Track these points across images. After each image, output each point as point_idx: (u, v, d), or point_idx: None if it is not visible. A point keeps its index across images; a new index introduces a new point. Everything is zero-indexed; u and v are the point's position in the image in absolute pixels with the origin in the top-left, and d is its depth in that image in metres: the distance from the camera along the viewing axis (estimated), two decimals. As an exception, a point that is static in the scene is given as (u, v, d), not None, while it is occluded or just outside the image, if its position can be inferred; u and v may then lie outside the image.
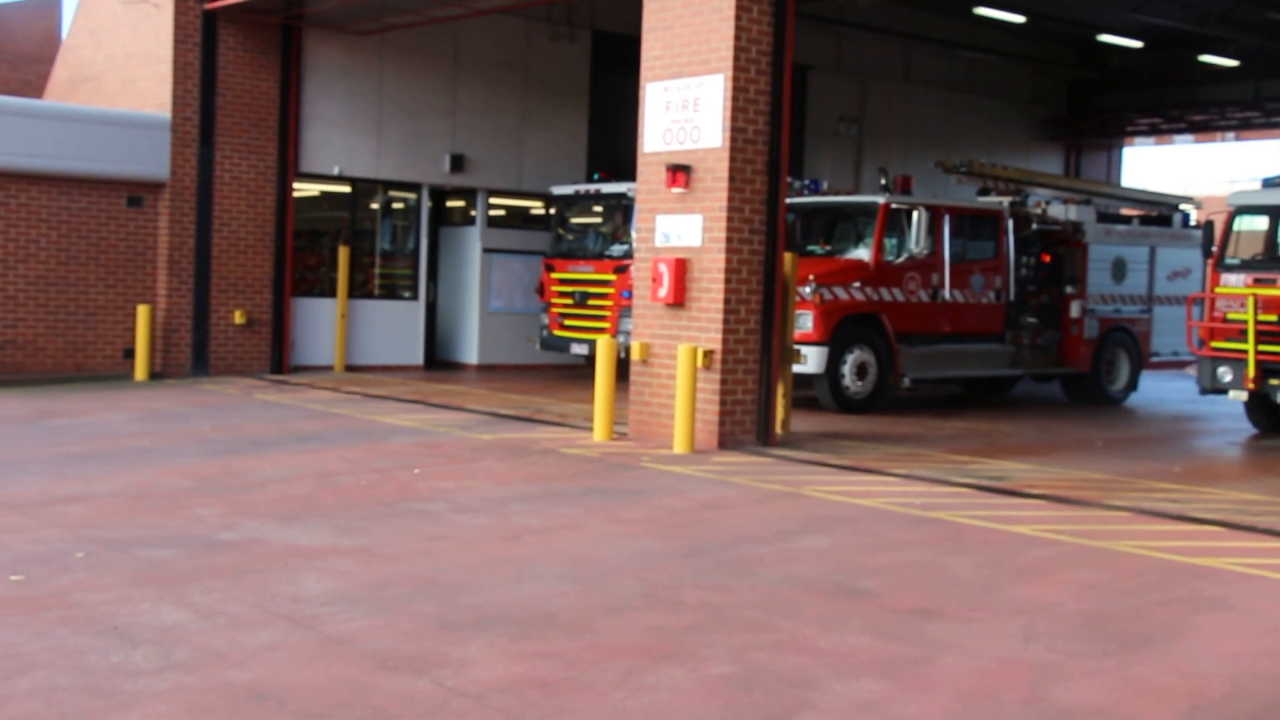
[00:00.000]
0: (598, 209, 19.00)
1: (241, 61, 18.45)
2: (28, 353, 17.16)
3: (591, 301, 18.13)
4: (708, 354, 12.24)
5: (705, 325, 12.39)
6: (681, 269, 12.52)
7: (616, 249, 18.17)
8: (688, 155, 12.53)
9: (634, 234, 17.82)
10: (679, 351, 12.13)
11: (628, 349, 17.37)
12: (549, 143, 21.59)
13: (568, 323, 18.41)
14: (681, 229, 12.62)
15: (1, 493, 9.40)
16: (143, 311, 17.46)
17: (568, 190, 19.18)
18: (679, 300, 12.56)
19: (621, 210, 18.34)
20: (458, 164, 20.49)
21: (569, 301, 18.39)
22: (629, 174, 14.98)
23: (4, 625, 6.07)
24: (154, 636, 5.95)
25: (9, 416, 13.63)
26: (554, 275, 18.79)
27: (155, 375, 17.72)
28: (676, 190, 12.54)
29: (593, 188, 18.85)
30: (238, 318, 18.44)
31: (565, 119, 21.81)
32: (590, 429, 13.12)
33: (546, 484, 10.38)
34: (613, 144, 20.92)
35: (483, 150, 20.90)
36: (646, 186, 13.01)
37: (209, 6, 17.94)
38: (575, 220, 19.23)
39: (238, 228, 18.49)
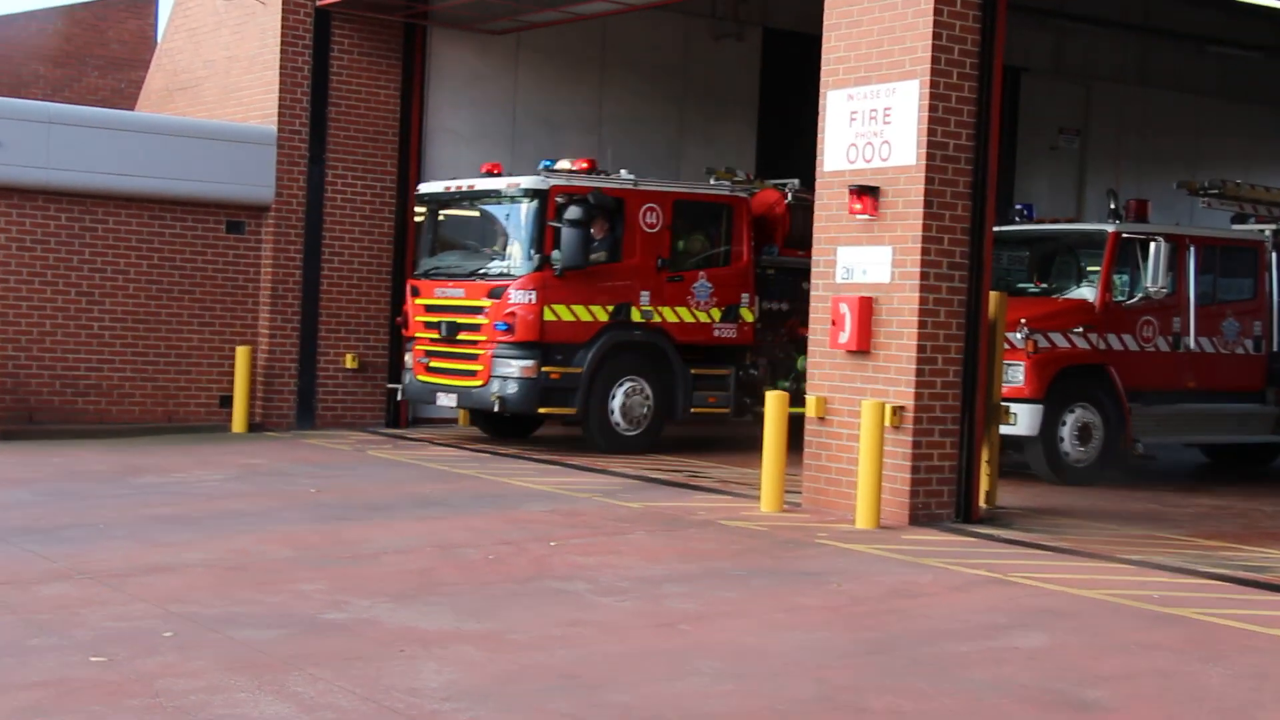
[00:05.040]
0: (475, 214, 17.64)
1: (358, 66, 18.98)
2: (113, 399, 17.81)
3: (462, 336, 16.56)
4: (897, 411, 12.11)
5: (894, 377, 12.28)
6: (866, 310, 12.44)
7: (495, 266, 16.69)
8: (875, 175, 12.47)
9: (517, 244, 16.19)
10: (863, 408, 12.03)
11: (503, 399, 16.01)
12: (711, 158, 21.65)
13: (434, 364, 16.98)
14: (867, 262, 12.55)
15: (83, 560, 9.75)
16: (242, 353, 18.00)
17: (436, 189, 17.58)
18: (863, 347, 12.47)
19: (502, 215, 16.94)
20: (604, 183, 20.70)
21: (434, 335, 16.92)
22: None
23: (83, 715, 6.28)
24: (251, 731, 6.10)
25: (92, 472, 14.15)
26: (418, 301, 17.34)
27: (255, 427, 18.21)
28: (861, 216, 12.48)
29: (465, 184, 17.18)
30: (349, 361, 18.88)
31: (730, 131, 21.92)
32: (756, 497, 13.09)
33: (705, 562, 10.37)
34: (786, 161, 20.92)
35: (634, 168, 21.02)
36: (826, 212, 12.98)
37: (321, 4, 18.53)
38: (448, 230, 17.91)
39: (351, 257, 18.97)
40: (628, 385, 16.59)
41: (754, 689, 7.05)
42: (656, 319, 16.70)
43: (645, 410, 16.74)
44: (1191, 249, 16.42)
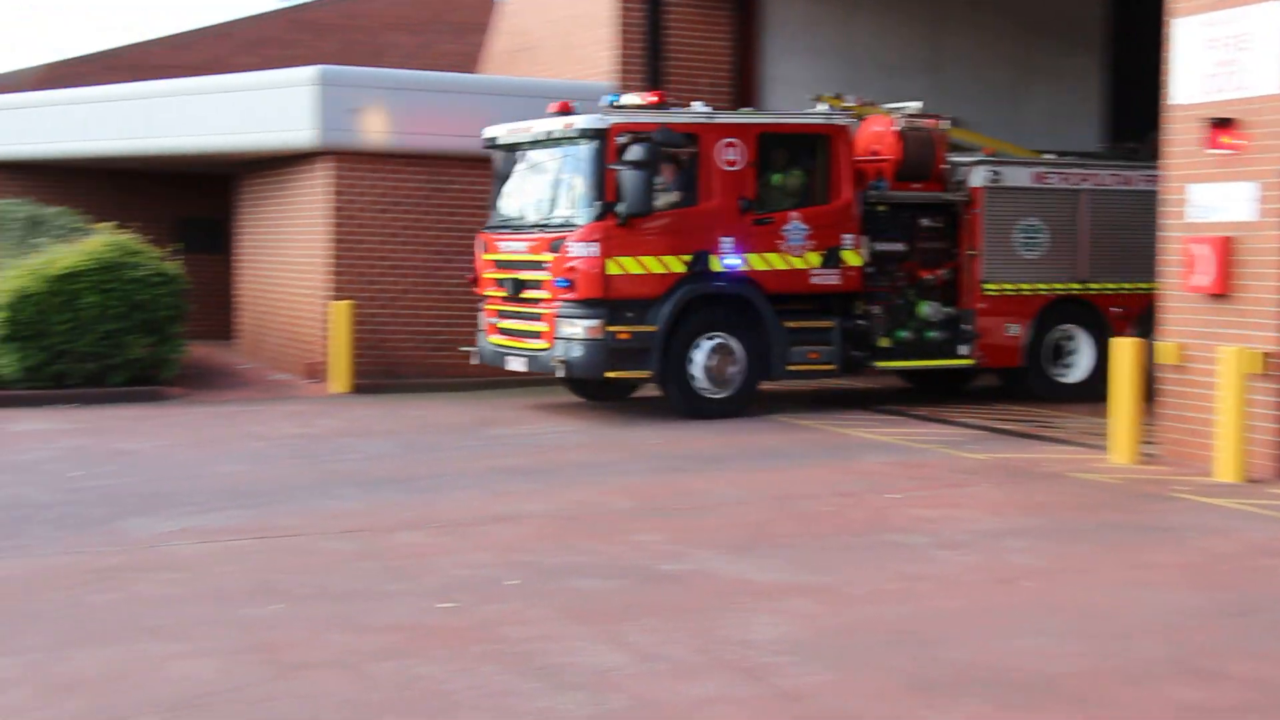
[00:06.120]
0: (537, 160, 15.68)
1: (691, 19, 19.08)
2: (468, 353, 18.47)
3: (526, 294, 15.12)
4: (1265, 357, 11.43)
5: (1260, 321, 11.58)
6: (1225, 250, 11.77)
7: (557, 216, 15.04)
8: (1232, 107, 11.76)
9: (577, 191, 14.62)
10: (1224, 355, 11.40)
11: (566, 363, 14.44)
12: (1056, 97, 20.98)
13: (504, 325, 15.65)
14: (1224, 200, 11.88)
15: (433, 510, 10.17)
16: (585, 308, 18.37)
17: (499, 133, 16.02)
18: (1222, 290, 11.82)
19: (562, 160, 15.14)
20: (945, 127, 20.27)
21: (502, 294, 15.61)
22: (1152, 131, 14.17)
23: (430, 658, 6.53)
24: (586, 680, 6.21)
25: (448, 425, 14.73)
26: (486, 256, 15.96)
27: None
28: (1218, 151, 11.80)
29: (524, 126, 15.62)
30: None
31: (1076, 68, 21.14)
32: (1107, 449, 12.60)
33: (1051, 516, 10.09)
34: (1137, 95, 20.00)
35: (973, 110, 20.47)
36: (1176, 148, 12.34)
37: (656, -42, 18.69)
38: (514, 178, 16.03)
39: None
40: (710, 343, 14.74)
41: (1100, 649, 6.78)
42: (742, 268, 14.92)
43: (733, 370, 14.88)
44: None
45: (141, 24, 60.93)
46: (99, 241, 17.01)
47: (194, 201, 24.49)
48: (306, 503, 10.43)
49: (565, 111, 15.07)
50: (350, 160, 17.97)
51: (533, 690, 6.07)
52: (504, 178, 16.07)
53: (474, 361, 16.44)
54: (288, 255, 19.53)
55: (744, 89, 19.30)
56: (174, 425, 14.68)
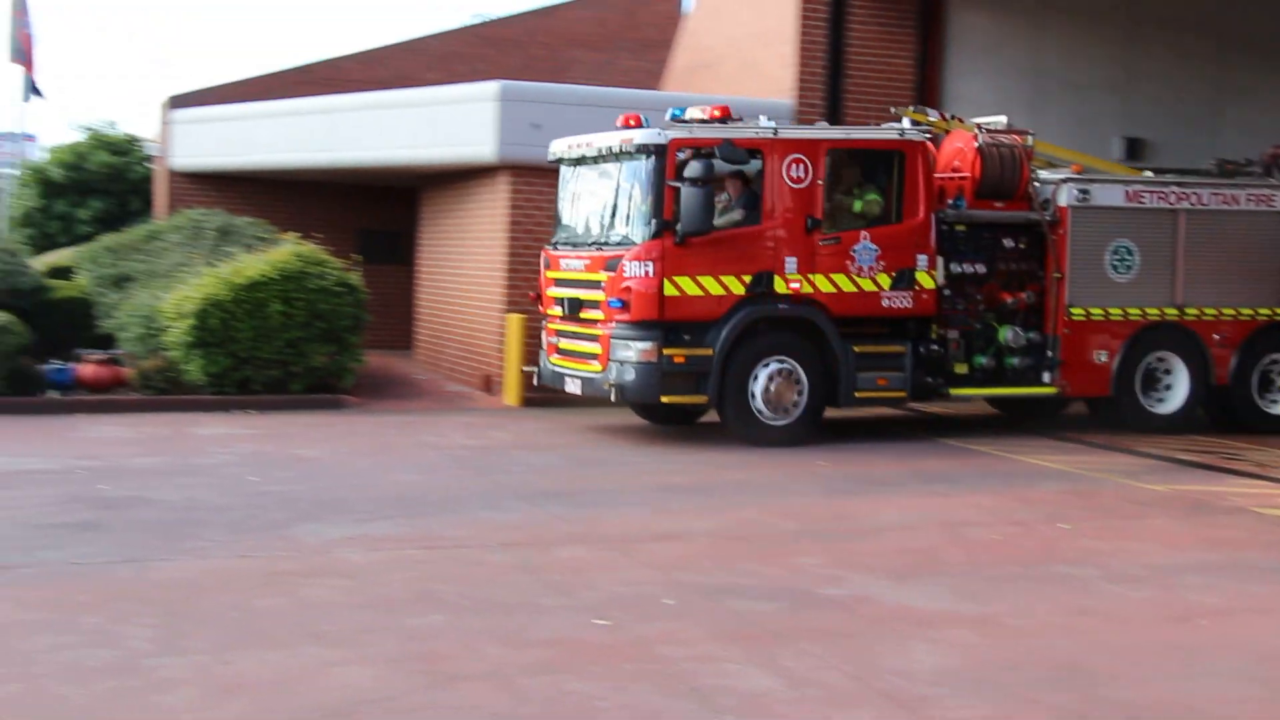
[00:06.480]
0: (598, 175, 15.03)
1: (873, 36, 18.94)
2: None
3: (584, 314, 14.66)
4: None
5: None
6: None
7: (614, 234, 14.50)
8: None
9: (634, 208, 14.13)
10: None
11: (619, 387, 13.95)
12: (1257, 119, 20.32)
13: (562, 346, 15.16)
14: None
15: (598, 526, 10.22)
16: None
17: (562, 147, 15.54)
18: None
19: (621, 176, 14.52)
20: (1134, 148, 19.80)
21: (559, 313, 15.18)
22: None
23: (583, 674, 6.56)
24: (736, 704, 6.17)
25: (614, 440, 14.80)
26: (548, 274, 15.61)
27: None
28: None
29: (585, 140, 15.04)
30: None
31: (1276, 87, 20.44)
32: (1296, 484, 12.19)
33: (1231, 552, 9.77)
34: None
35: (1166, 130, 20.06)
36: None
37: (840, -24, 18.61)
38: (576, 194, 15.52)
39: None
40: (771, 367, 14.13)
41: (1278, 694, 6.52)
42: (806, 289, 14.24)
43: (796, 396, 14.26)
44: None
45: (336, 39, 62.63)
46: (284, 252, 17.48)
47: (375, 213, 25.04)
48: (474, 514, 10.56)
49: (634, 125, 14.47)
50: (528, 175, 18.16)
51: (683, 711, 6.06)
52: (567, 193, 15.71)
53: (535, 382, 16.09)
54: (465, 268, 19.84)
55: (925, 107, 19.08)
56: (351, 433, 15.00)
